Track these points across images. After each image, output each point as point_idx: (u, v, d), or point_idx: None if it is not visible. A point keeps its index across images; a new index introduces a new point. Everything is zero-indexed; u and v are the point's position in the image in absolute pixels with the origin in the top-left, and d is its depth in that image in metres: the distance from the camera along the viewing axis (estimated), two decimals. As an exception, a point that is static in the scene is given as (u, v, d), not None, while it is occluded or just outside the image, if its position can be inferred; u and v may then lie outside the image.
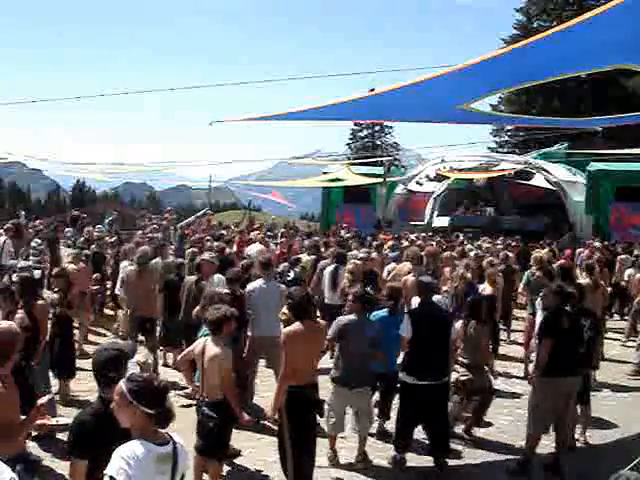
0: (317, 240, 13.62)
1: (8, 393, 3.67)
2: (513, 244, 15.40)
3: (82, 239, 13.32)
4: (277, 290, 7.32)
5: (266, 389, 7.37)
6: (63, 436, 6.05)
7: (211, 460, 5.11)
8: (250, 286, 7.40)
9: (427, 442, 6.03)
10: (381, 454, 6.12)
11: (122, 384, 2.97)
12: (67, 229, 16.40)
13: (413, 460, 5.99)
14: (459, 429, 6.55)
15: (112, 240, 13.42)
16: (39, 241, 11.95)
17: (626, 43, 5.16)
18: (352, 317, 5.83)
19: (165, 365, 8.81)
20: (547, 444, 6.00)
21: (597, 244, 14.97)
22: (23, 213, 24.32)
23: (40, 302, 6.18)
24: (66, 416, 6.56)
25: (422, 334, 5.81)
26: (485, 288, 9.01)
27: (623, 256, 13.75)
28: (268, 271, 7.53)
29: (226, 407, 4.97)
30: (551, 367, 5.73)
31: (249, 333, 7.25)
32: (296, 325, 5.22)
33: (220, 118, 8.35)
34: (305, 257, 11.39)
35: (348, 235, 17.19)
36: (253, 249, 11.99)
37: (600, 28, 4.82)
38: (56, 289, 7.41)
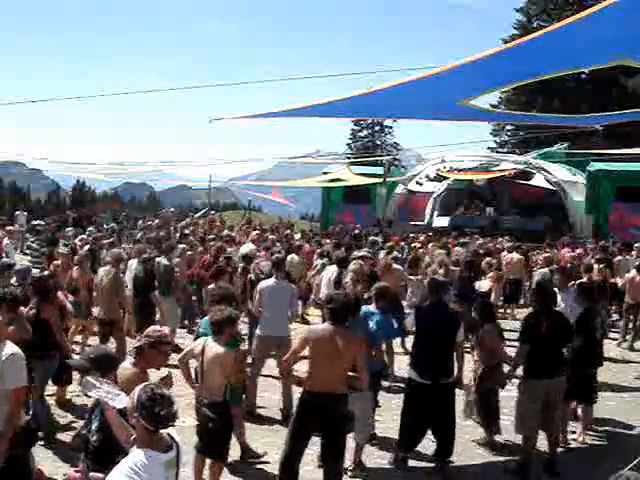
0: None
1: None
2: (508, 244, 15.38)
3: (78, 241, 13.35)
4: (287, 289, 7.33)
5: (265, 389, 7.38)
6: (64, 437, 6.07)
7: (211, 459, 5.09)
8: (262, 284, 7.43)
9: (427, 442, 6.03)
10: (381, 454, 6.13)
11: (137, 390, 2.95)
12: (68, 229, 16.45)
13: (413, 460, 5.99)
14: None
15: (111, 240, 13.44)
16: (39, 242, 11.97)
17: (626, 40, 5.17)
18: None
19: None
20: (546, 444, 6.02)
21: (590, 245, 15.06)
22: (25, 214, 24.32)
23: (48, 304, 6.22)
24: (62, 418, 6.60)
25: (426, 333, 5.82)
26: (481, 285, 9.13)
27: (619, 257, 13.71)
28: (280, 271, 7.54)
29: (225, 408, 4.96)
30: (528, 369, 5.79)
31: (257, 332, 7.26)
32: (325, 325, 5.01)
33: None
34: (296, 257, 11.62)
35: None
36: (245, 249, 12.11)
37: (600, 25, 4.84)
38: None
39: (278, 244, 13.94)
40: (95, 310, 8.54)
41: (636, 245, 13.97)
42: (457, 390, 6.09)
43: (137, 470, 2.71)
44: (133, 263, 10.06)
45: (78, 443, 3.34)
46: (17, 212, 25.29)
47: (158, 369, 4.26)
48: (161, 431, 2.90)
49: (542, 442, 6.04)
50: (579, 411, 6.74)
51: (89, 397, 3.25)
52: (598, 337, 6.48)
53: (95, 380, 3.30)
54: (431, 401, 5.72)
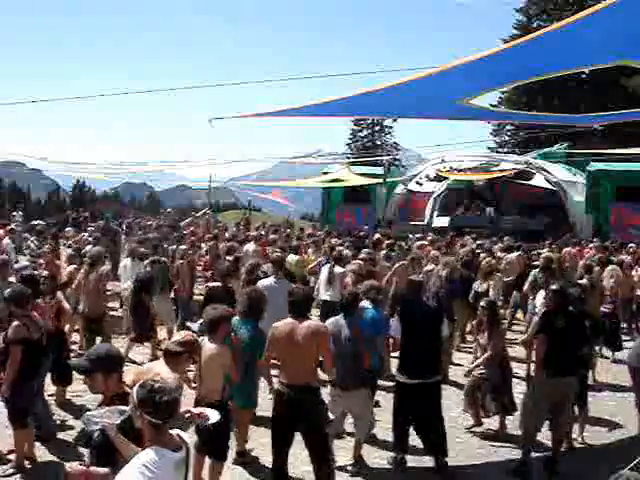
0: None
1: None
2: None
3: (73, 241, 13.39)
4: (287, 288, 7.34)
5: (265, 389, 7.36)
6: (65, 437, 6.08)
7: (211, 459, 5.09)
8: (261, 283, 7.43)
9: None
10: (381, 454, 6.13)
11: (134, 389, 2.94)
12: (68, 228, 16.46)
13: (413, 460, 5.99)
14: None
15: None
16: (36, 242, 11.99)
17: (626, 40, 5.16)
18: (335, 318, 5.75)
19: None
20: (548, 444, 6.02)
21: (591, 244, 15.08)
22: (21, 213, 24.34)
23: (41, 301, 6.22)
24: (62, 418, 6.60)
25: (410, 333, 5.84)
26: (478, 285, 9.15)
27: (623, 257, 13.69)
28: (279, 270, 7.55)
29: (224, 408, 4.94)
30: (541, 366, 5.75)
31: None
32: (289, 320, 5.07)
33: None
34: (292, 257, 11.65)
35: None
36: (249, 248, 12.19)
37: (600, 25, 4.83)
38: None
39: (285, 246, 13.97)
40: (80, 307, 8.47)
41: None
42: (454, 389, 6.10)
43: (149, 467, 2.70)
44: (127, 263, 10.09)
45: (82, 439, 3.33)
46: (14, 212, 25.34)
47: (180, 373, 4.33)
48: (171, 431, 2.90)
49: (543, 441, 6.05)
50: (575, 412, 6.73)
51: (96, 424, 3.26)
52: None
53: (93, 412, 3.32)
54: (418, 400, 5.74)
